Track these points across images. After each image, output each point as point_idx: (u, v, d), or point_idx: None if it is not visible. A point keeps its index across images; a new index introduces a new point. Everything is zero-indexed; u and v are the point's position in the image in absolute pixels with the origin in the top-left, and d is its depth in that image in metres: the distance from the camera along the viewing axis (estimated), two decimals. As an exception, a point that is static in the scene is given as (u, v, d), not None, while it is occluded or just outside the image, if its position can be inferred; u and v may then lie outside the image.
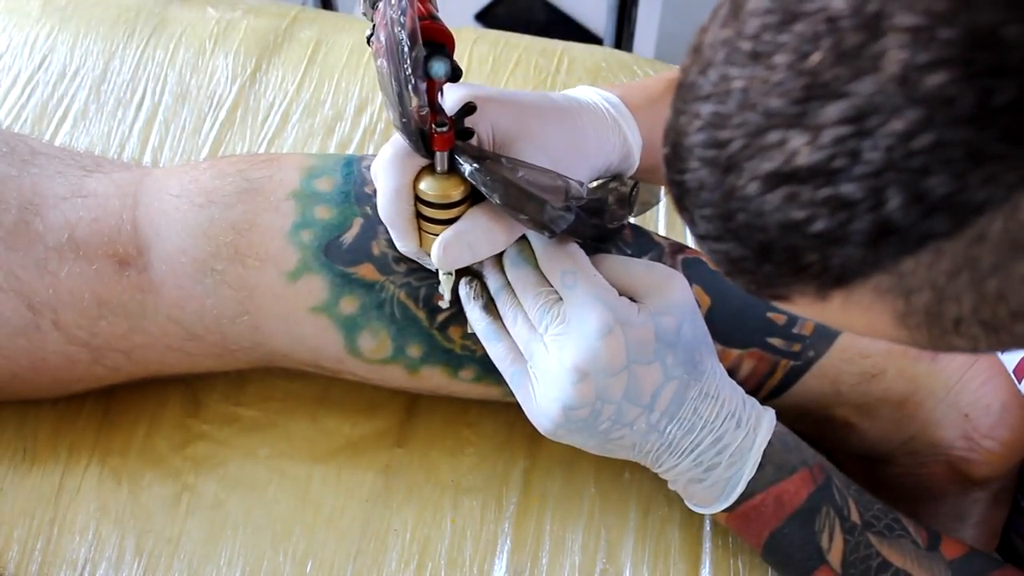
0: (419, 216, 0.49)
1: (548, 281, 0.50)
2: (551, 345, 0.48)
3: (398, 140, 0.47)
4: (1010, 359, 0.56)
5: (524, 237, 0.51)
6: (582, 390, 0.48)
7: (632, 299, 0.50)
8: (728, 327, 0.56)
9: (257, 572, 0.56)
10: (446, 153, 0.46)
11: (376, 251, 0.54)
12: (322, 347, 0.55)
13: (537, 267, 0.50)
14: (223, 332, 0.55)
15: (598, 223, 0.52)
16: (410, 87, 0.42)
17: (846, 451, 0.60)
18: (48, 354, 0.55)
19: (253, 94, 0.77)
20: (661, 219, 0.71)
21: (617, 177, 0.55)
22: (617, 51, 0.83)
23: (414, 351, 0.54)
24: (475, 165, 0.46)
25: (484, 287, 0.52)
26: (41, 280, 0.54)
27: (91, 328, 0.55)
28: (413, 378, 0.56)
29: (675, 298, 0.50)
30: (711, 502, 0.52)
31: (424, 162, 0.47)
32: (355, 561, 0.57)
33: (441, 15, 0.46)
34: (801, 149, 0.29)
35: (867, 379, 0.56)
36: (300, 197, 0.55)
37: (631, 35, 1.14)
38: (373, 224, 0.54)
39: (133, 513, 0.58)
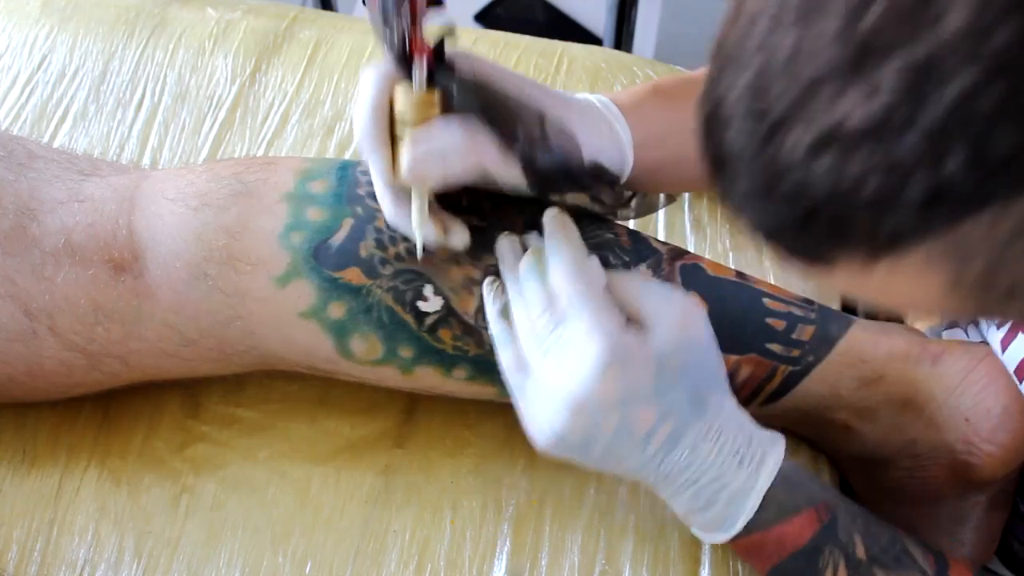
0: (395, 142, 0.49)
1: (558, 299, 0.49)
2: (550, 369, 0.48)
3: (382, 62, 0.47)
4: (1011, 359, 0.56)
5: (542, 248, 0.51)
6: (574, 421, 0.47)
7: (641, 323, 0.48)
8: (726, 333, 0.56)
9: (256, 573, 0.56)
10: (424, 70, 0.46)
11: (363, 253, 0.53)
12: (314, 350, 0.55)
13: (547, 282, 0.49)
14: (218, 337, 0.55)
15: (591, 193, 0.52)
16: (392, 3, 0.43)
17: (846, 454, 0.60)
18: (45, 360, 0.55)
19: (253, 94, 0.77)
20: (660, 224, 0.71)
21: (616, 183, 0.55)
22: (617, 51, 0.83)
23: (405, 352, 0.54)
24: (454, 81, 0.46)
25: (502, 292, 0.52)
26: (38, 285, 0.54)
27: (88, 334, 0.55)
28: (407, 378, 0.56)
29: (686, 334, 0.48)
30: (709, 532, 0.51)
31: (403, 83, 0.47)
32: (354, 562, 0.57)
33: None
34: (854, 109, 0.28)
35: (867, 384, 0.56)
36: (293, 199, 0.54)
37: (631, 35, 1.14)
38: (362, 224, 0.54)
39: (132, 514, 0.58)
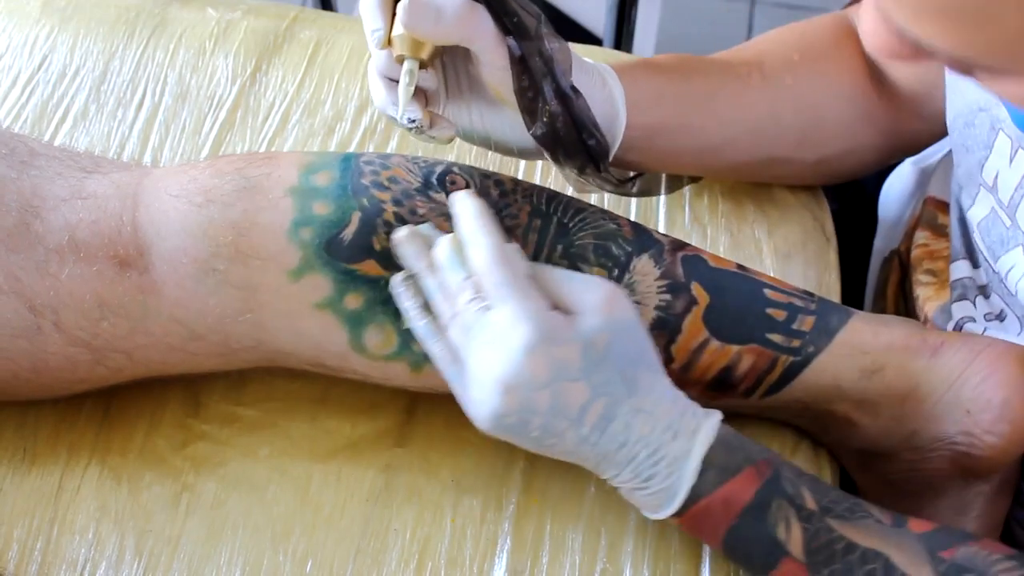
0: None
1: (482, 286, 0.50)
2: (480, 352, 0.49)
3: None
4: None
5: (458, 237, 0.52)
6: (507, 401, 0.49)
7: (567, 309, 0.50)
8: (726, 323, 0.56)
9: (257, 572, 0.56)
10: None
11: (378, 246, 0.54)
12: (326, 344, 0.55)
13: (468, 270, 0.51)
14: (226, 331, 0.55)
15: (582, 136, 0.53)
16: None
17: (847, 448, 0.60)
18: (49, 355, 0.55)
19: (253, 94, 0.77)
20: (661, 221, 0.71)
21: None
22: (616, 51, 0.83)
23: (419, 346, 0.54)
24: None
25: (419, 288, 0.53)
26: (42, 282, 0.54)
27: (92, 329, 0.55)
28: (416, 375, 0.56)
29: (611, 316, 0.50)
30: (657, 508, 0.52)
31: None
32: (355, 560, 0.57)
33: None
34: None
35: (867, 375, 0.56)
36: (297, 193, 0.55)
37: (631, 35, 1.14)
38: (371, 217, 0.54)
39: (133, 513, 0.58)
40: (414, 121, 0.53)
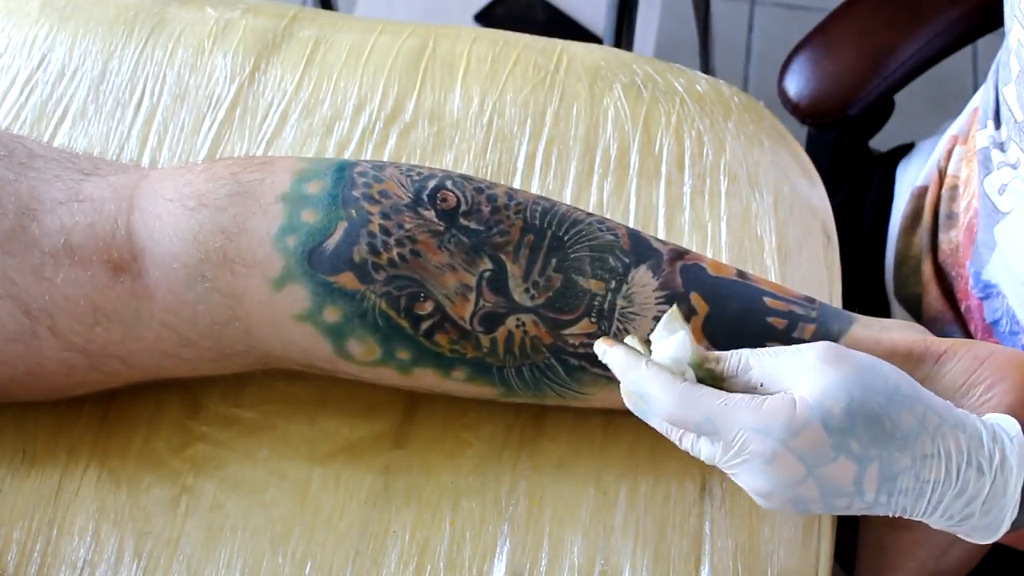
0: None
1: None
2: (728, 473, 0.48)
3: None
4: None
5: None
6: (773, 503, 0.47)
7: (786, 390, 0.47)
8: (726, 333, 0.56)
9: (256, 573, 0.56)
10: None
11: (357, 258, 0.53)
12: (312, 351, 0.55)
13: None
14: (217, 337, 0.55)
15: None
16: None
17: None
18: (45, 360, 0.55)
19: (252, 94, 0.77)
20: (660, 223, 0.70)
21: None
22: (616, 50, 0.83)
23: (403, 354, 0.54)
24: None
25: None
26: (38, 285, 0.54)
27: (87, 334, 0.55)
28: (406, 378, 0.56)
29: (831, 379, 0.46)
30: (976, 537, 0.48)
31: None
32: (354, 562, 0.57)
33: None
34: None
35: None
36: (288, 200, 0.54)
37: (631, 35, 1.14)
38: (356, 228, 0.54)
39: (132, 515, 0.58)
40: None
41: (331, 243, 0.54)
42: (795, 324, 0.56)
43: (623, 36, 1.12)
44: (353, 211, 0.54)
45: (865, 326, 0.57)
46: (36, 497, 0.59)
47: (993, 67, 0.74)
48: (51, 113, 0.76)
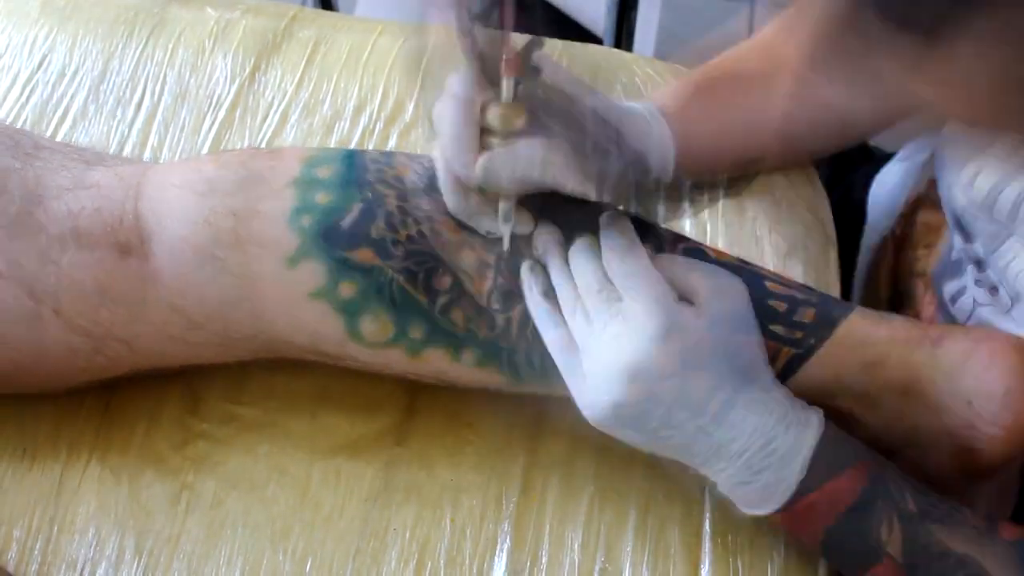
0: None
1: (609, 279, 0.51)
2: (607, 342, 0.49)
3: (464, 73, 0.49)
4: None
5: (592, 234, 0.53)
6: (633, 390, 0.49)
7: (690, 301, 0.51)
8: None
9: (257, 571, 0.56)
10: (512, 79, 0.48)
11: (375, 234, 0.54)
12: (322, 332, 0.55)
13: (601, 264, 0.52)
14: (224, 320, 0.55)
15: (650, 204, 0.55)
16: (478, 12, 0.45)
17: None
18: (50, 343, 0.55)
19: (252, 94, 0.77)
20: (660, 215, 0.71)
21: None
22: (616, 50, 0.83)
23: (416, 333, 0.55)
24: (538, 92, 0.49)
25: (546, 274, 0.54)
26: (43, 269, 0.54)
27: (92, 317, 0.55)
28: (414, 361, 0.56)
29: (734, 306, 0.51)
30: (761, 504, 0.52)
31: (490, 91, 0.50)
32: (354, 560, 0.57)
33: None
34: None
35: (869, 368, 0.56)
36: (300, 184, 0.55)
37: (631, 35, 1.14)
38: (372, 207, 0.54)
39: (133, 512, 0.58)
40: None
41: (347, 220, 0.54)
42: (795, 307, 0.56)
43: (623, 36, 1.13)
44: (369, 192, 0.54)
45: (864, 314, 0.57)
46: (36, 495, 0.59)
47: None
48: (52, 113, 0.76)
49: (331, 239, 0.54)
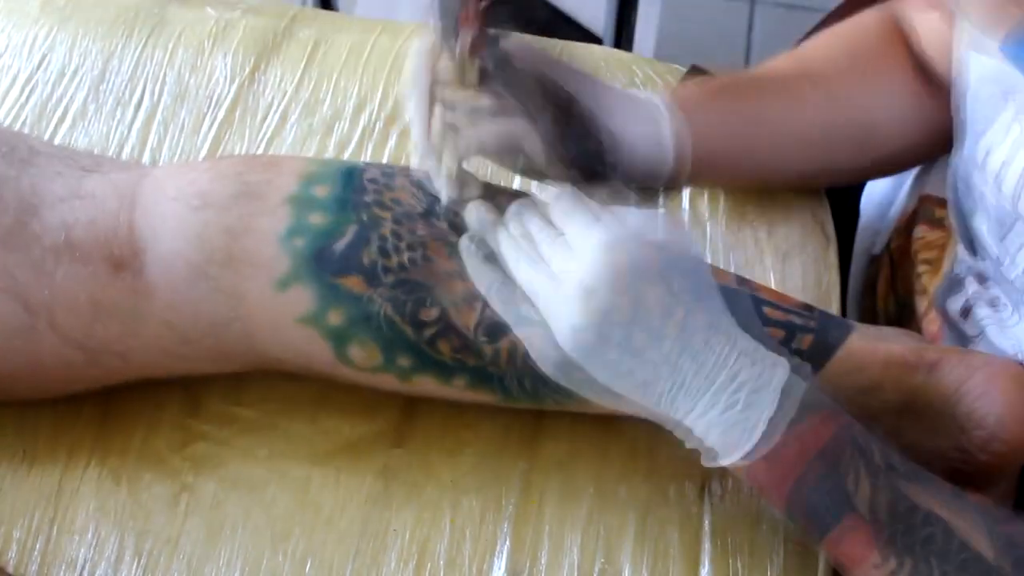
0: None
1: (553, 225, 0.51)
2: (556, 275, 0.49)
3: (433, 31, 0.51)
4: None
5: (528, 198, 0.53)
6: (589, 307, 0.47)
7: None
8: None
9: (256, 572, 0.56)
10: (468, 39, 0.49)
11: (366, 260, 0.53)
12: (313, 355, 0.55)
13: (538, 212, 0.52)
14: (217, 337, 0.55)
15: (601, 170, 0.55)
16: None
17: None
18: (45, 355, 0.55)
19: (252, 94, 0.77)
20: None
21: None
22: (616, 50, 0.83)
23: (404, 361, 0.54)
24: (496, 56, 0.50)
25: (486, 245, 0.53)
26: (38, 281, 0.54)
27: (86, 330, 0.55)
28: (406, 385, 0.56)
29: (677, 230, 0.51)
30: (730, 449, 0.48)
31: (448, 51, 0.52)
32: (354, 561, 0.57)
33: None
34: None
35: (864, 392, 0.56)
36: (296, 202, 0.54)
37: (631, 35, 1.14)
38: (366, 231, 0.54)
39: (132, 513, 0.58)
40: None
41: (340, 245, 0.54)
42: (793, 334, 0.56)
43: (623, 36, 1.13)
44: (364, 215, 0.54)
45: (862, 336, 0.57)
46: (36, 496, 0.59)
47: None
48: (51, 113, 0.76)
49: (323, 263, 0.53)
